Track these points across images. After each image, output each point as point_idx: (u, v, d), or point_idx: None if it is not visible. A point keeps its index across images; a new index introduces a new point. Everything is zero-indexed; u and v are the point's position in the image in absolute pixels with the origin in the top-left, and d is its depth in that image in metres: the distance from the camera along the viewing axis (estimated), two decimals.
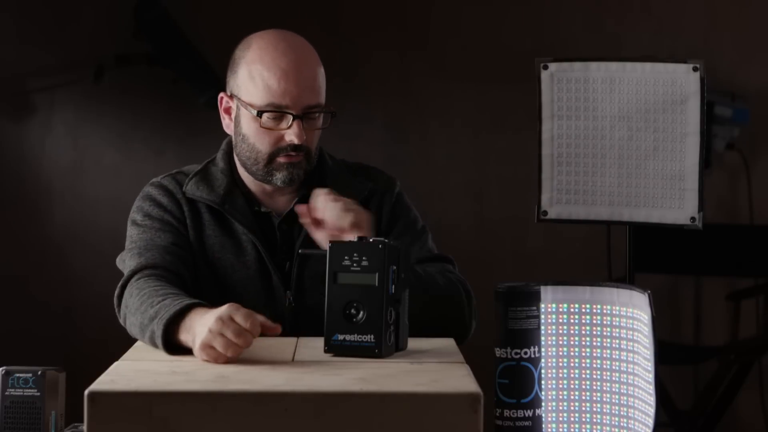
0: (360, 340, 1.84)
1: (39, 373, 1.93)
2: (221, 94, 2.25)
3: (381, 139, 4.56)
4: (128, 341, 2.03)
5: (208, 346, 1.80)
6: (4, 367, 1.94)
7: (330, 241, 1.90)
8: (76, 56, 4.52)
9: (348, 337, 1.85)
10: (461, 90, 4.57)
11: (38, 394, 1.92)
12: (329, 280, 1.86)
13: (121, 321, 2.09)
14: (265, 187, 2.23)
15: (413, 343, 1.97)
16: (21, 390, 1.92)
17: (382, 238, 1.87)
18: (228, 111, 2.24)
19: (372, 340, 1.84)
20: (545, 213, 2.29)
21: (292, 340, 2.03)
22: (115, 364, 1.81)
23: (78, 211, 4.56)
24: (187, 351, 1.87)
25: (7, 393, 1.93)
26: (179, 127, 4.57)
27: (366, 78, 4.49)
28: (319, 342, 2.01)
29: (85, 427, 1.61)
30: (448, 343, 2.02)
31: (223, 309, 1.82)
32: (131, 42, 4.42)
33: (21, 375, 1.93)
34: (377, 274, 1.84)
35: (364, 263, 1.84)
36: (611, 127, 2.26)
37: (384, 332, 1.84)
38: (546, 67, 2.27)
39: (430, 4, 4.61)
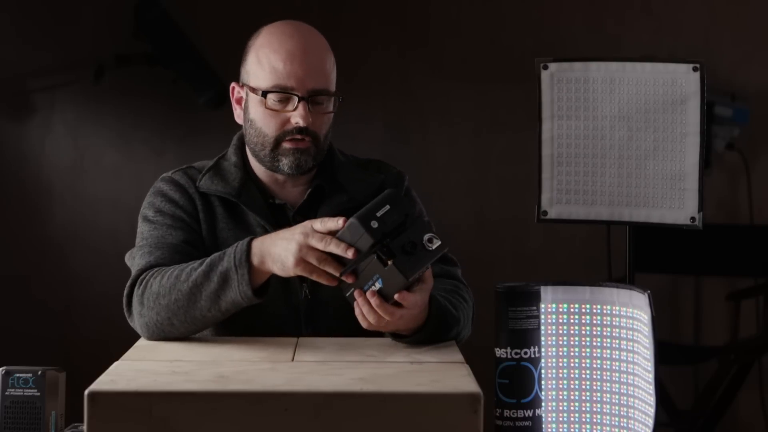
0: None
1: (39, 373, 1.93)
2: (233, 84, 2.26)
3: (381, 139, 4.56)
4: (128, 341, 2.02)
5: (302, 261, 1.90)
6: (4, 367, 1.94)
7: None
8: (76, 56, 4.52)
9: None
10: (461, 90, 4.57)
11: (38, 394, 1.92)
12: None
13: (131, 319, 2.07)
14: (278, 177, 2.23)
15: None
16: (21, 390, 1.92)
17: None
18: (239, 101, 2.25)
19: None
20: (545, 213, 2.30)
21: (292, 340, 2.03)
22: (115, 364, 1.81)
23: (78, 211, 4.56)
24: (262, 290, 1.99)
25: (7, 393, 1.92)
26: (179, 127, 4.57)
27: (366, 78, 4.49)
28: (319, 342, 2.01)
29: (85, 427, 1.61)
30: (448, 343, 2.02)
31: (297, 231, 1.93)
32: (131, 42, 4.42)
33: (21, 375, 1.93)
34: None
35: None
36: (611, 127, 2.26)
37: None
38: (546, 67, 2.27)
39: (430, 4, 4.61)
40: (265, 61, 2.17)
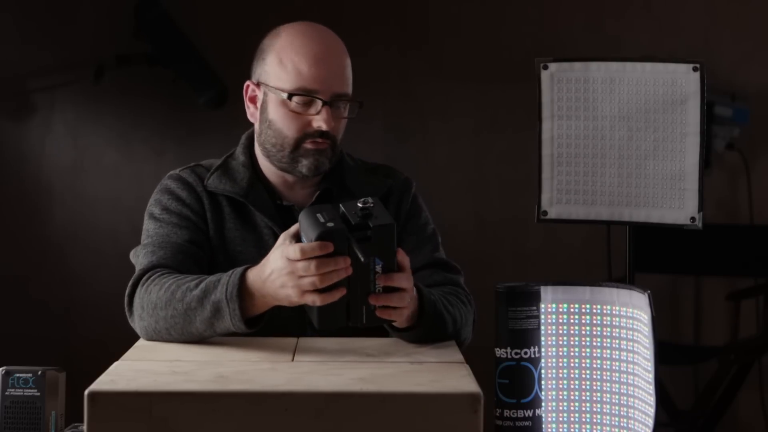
0: None
1: (39, 373, 1.93)
2: (247, 83, 2.24)
3: (381, 139, 4.56)
4: (128, 341, 2.02)
5: (306, 292, 1.83)
6: (4, 367, 1.94)
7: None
8: (76, 56, 4.52)
9: None
10: (461, 89, 4.57)
11: (38, 394, 1.92)
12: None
13: (132, 319, 2.06)
14: (287, 178, 2.23)
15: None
16: (21, 390, 1.92)
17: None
18: (253, 100, 2.24)
19: None
20: (545, 213, 2.30)
21: (292, 340, 2.03)
22: (115, 364, 1.81)
23: (78, 211, 4.56)
24: (256, 320, 1.95)
25: (7, 393, 1.93)
26: (179, 127, 4.57)
27: (366, 77, 4.48)
28: (319, 342, 2.01)
29: (85, 427, 1.61)
30: (448, 343, 2.02)
31: (276, 259, 1.86)
32: (131, 42, 4.42)
33: (21, 375, 1.93)
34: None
35: None
36: (611, 127, 2.26)
37: None
38: (546, 67, 2.28)
39: (430, 4, 4.61)
40: (288, 62, 2.16)
